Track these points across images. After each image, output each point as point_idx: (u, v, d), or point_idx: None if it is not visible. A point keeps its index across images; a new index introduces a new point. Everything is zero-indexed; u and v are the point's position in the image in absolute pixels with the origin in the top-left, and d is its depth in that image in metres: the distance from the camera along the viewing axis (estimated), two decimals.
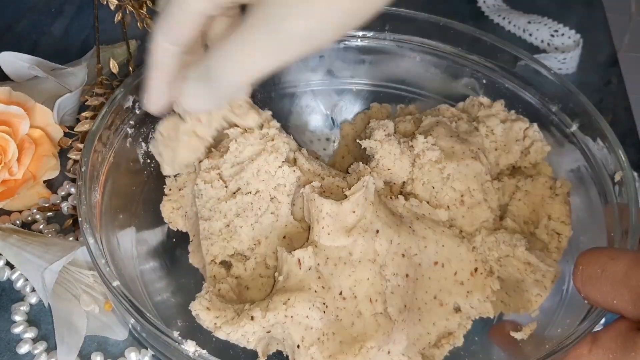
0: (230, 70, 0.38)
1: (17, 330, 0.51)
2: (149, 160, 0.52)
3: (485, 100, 0.55)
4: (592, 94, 0.70)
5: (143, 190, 0.52)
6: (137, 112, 0.51)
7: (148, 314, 0.40)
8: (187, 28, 0.40)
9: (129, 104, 0.51)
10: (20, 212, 0.58)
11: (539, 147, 0.53)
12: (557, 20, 0.75)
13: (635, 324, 0.37)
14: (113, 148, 0.50)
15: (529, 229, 0.51)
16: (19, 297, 0.53)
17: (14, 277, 0.54)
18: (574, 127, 0.52)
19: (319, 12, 0.35)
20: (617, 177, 0.47)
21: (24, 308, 0.52)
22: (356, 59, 0.59)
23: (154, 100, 0.43)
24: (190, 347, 0.39)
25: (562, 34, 0.74)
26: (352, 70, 0.59)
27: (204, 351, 0.39)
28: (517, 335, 0.45)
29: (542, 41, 0.74)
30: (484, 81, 0.56)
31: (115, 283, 0.41)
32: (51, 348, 0.50)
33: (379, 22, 0.57)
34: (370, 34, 0.57)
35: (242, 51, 0.37)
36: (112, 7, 0.58)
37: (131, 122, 0.51)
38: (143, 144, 0.52)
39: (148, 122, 0.52)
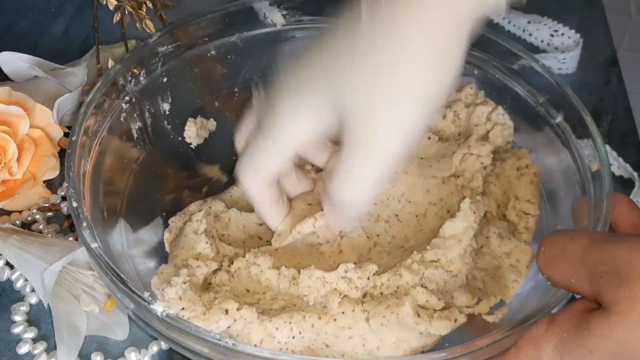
0: (350, 200, 0.45)
1: (17, 330, 0.51)
2: (143, 136, 0.54)
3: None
4: (592, 94, 0.70)
5: (136, 164, 0.54)
6: (133, 88, 0.53)
7: (122, 275, 0.42)
8: (281, 163, 0.47)
9: (124, 80, 0.52)
10: (20, 212, 0.58)
11: (498, 130, 0.54)
12: (557, 20, 0.74)
13: (592, 304, 0.38)
14: (107, 121, 0.51)
15: (502, 212, 0.52)
16: (19, 297, 0.53)
17: (14, 277, 0.54)
18: (559, 119, 0.53)
19: (397, 126, 0.42)
20: (594, 167, 0.48)
21: (24, 308, 0.52)
22: None
23: (275, 224, 0.51)
24: (158, 307, 0.40)
25: (562, 34, 0.74)
26: None
27: (172, 311, 0.41)
28: (489, 319, 0.47)
29: (542, 41, 0.74)
30: (475, 72, 0.57)
31: (94, 245, 0.43)
32: (51, 348, 0.50)
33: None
34: None
35: (355, 180, 0.44)
36: (111, 8, 0.58)
37: (126, 98, 0.53)
38: (137, 120, 0.54)
39: (143, 99, 0.54)
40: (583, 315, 0.38)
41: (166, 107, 0.56)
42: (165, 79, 0.56)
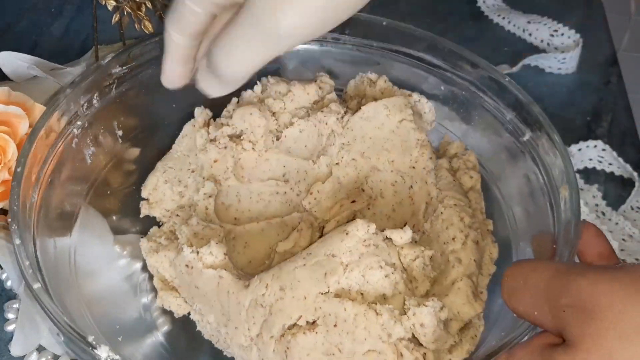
0: (227, 64, 0.41)
1: (10, 328, 0.52)
2: (97, 161, 0.52)
3: (373, 76, 0.56)
4: (592, 94, 0.71)
5: (88, 195, 0.52)
6: (86, 112, 0.51)
7: (65, 318, 0.40)
8: (192, 23, 0.42)
9: (76, 106, 0.50)
10: None
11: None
12: (557, 20, 0.74)
13: (554, 338, 0.37)
14: (57, 149, 0.49)
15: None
16: (11, 296, 0.54)
17: (4, 276, 0.54)
18: (527, 136, 0.51)
19: (300, 11, 0.38)
20: (563, 192, 0.46)
21: (17, 306, 0.52)
22: (316, 64, 0.58)
23: (168, 78, 0.45)
24: (103, 352, 0.39)
25: (562, 34, 0.74)
26: (312, 75, 0.58)
27: (117, 357, 0.39)
28: None
29: (542, 41, 0.74)
30: (442, 87, 0.55)
31: (36, 285, 0.41)
32: (42, 347, 0.51)
33: (338, 27, 0.56)
34: (330, 38, 0.57)
35: (236, 46, 0.40)
36: (109, 8, 0.58)
37: (78, 123, 0.50)
38: (91, 146, 0.52)
39: (97, 123, 0.51)
40: (544, 350, 0.36)
41: (120, 132, 0.54)
42: (120, 102, 0.53)
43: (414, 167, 0.53)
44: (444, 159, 0.54)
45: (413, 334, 0.42)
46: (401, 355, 0.42)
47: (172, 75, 0.45)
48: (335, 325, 0.42)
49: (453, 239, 0.48)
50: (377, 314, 0.42)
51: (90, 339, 0.39)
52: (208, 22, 0.42)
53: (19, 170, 0.45)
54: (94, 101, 0.51)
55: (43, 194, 0.47)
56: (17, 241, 0.42)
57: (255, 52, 0.40)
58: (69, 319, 0.40)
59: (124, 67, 0.53)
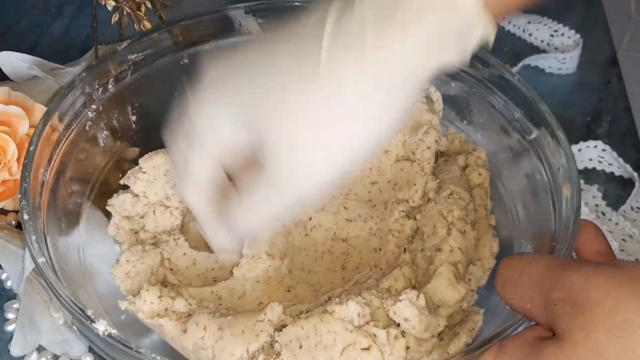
0: (243, 227, 0.46)
1: (10, 328, 0.52)
2: (110, 145, 0.52)
3: None
4: (592, 94, 0.71)
5: (100, 177, 0.53)
6: (101, 96, 0.51)
7: (67, 292, 0.40)
8: (211, 169, 0.45)
9: (91, 88, 0.50)
10: (16, 212, 0.57)
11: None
12: (557, 20, 0.74)
13: (545, 332, 0.37)
14: (71, 130, 0.49)
15: None
16: (11, 296, 0.54)
17: (3, 276, 0.54)
18: (534, 135, 0.51)
19: (306, 185, 0.42)
20: (565, 191, 0.47)
21: (17, 306, 0.52)
22: None
23: (217, 248, 0.50)
24: (100, 326, 0.39)
25: (562, 34, 0.74)
26: None
27: (114, 331, 0.39)
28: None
29: (542, 41, 0.74)
30: (452, 84, 0.55)
31: (41, 260, 0.42)
32: (42, 347, 0.51)
33: None
34: None
35: (254, 211, 0.44)
36: (109, 8, 0.59)
37: (93, 107, 0.51)
38: (104, 129, 0.52)
39: (111, 107, 0.52)
40: (534, 343, 0.36)
41: (134, 117, 0.54)
42: (135, 88, 0.53)
43: (416, 148, 0.54)
44: (461, 156, 0.54)
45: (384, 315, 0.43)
46: (374, 335, 0.42)
47: (223, 239, 0.48)
48: (300, 347, 0.42)
49: (434, 233, 0.49)
50: (329, 312, 0.43)
51: (89, 312, 0.40)
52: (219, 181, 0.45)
53: (31, 149, 0.46)
54: (110, 86, 0.52)
55: (54, 176, 0.48)
56: (26, 216, 0.43)
57: (270, 213, 0.44)
58: (72, 294, 0.41)
59: (139, 54, 0.53)
